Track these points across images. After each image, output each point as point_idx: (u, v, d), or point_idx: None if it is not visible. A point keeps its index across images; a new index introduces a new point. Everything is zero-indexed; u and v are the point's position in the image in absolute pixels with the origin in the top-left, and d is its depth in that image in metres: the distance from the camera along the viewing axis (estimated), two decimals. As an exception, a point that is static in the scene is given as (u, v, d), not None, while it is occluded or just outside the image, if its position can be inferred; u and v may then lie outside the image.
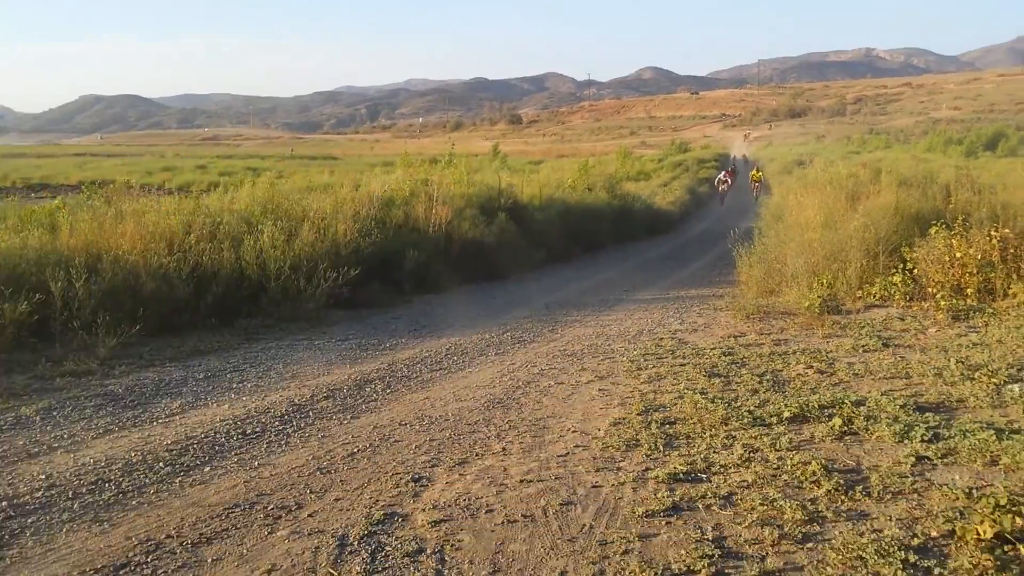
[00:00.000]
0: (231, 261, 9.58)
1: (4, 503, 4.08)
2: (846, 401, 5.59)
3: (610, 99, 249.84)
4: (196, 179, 35.86)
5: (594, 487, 4.35)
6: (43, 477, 4.45)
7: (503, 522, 3.94)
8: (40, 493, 4.23)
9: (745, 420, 5.35)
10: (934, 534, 3.65)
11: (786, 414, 5.44)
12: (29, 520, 3.89)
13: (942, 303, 8.63)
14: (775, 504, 4.00)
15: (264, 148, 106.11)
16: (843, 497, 4.07)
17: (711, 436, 5.08)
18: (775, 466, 4.52)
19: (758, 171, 38.56)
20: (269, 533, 3.85)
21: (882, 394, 5.74)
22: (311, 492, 4.37)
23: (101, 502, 4.18)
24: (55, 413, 5.75)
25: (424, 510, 4.08)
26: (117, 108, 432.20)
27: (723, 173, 38.97)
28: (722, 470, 4.52)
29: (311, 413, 5.92)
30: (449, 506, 4.13)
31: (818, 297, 9.29)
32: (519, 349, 8.32)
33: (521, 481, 4.46)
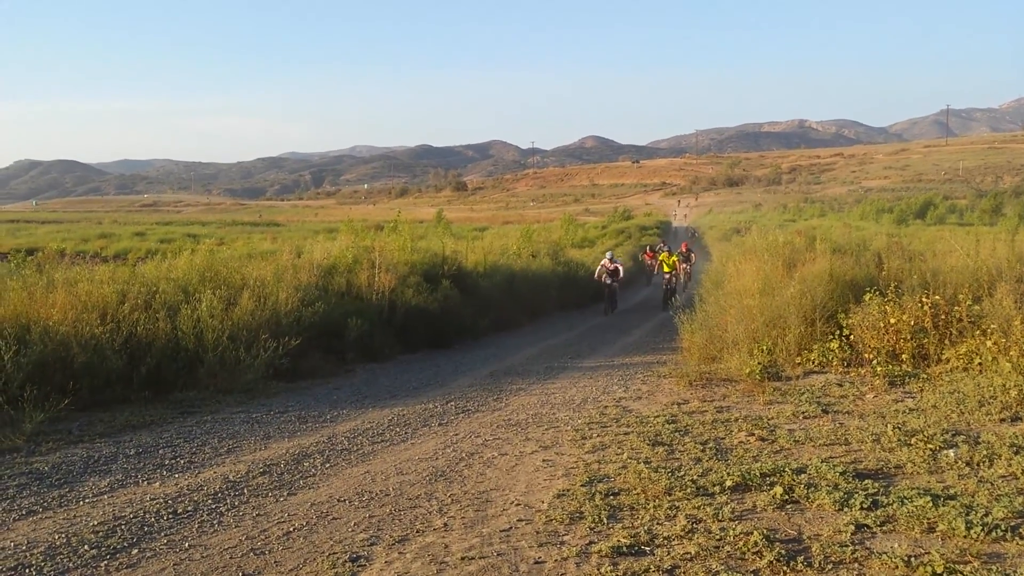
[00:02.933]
0: (167, 331, 9.35)
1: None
2: (787, 469, 5.61)
3: (554, 167, 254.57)
4: (134, 246, 35.23)
5: (537, 563, 4.26)
6: (-32, 564, 4.20)
7: (443, 603, 3.82)
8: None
9: (688, 490, 5.33)
10: (876, 605, 3.65)
11: (728, 483, 5.43)
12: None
13: (879, 369, 8.81)
14: (718, 577, 3.96)
15: (205, 215, 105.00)
16: (785, 568, 4.05)
17: (655, 507, 5.05)
18: (718, 537, 4.50)
19: (672, 254, 24.82)
20: (197, 621, 3.67)
21: (822, 461, 5.78)
22: (243, 574, 4.19)
23: (17, 591, 3.95)
24: (-21, 495, 5.46)
25: (361, 592, 3.94)
26: (53, 174, 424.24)
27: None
28: (665, 542, 4.47)
29: (246, 490, 5.72)
30: (388, 587, 4.00)
31: (758, 364, 9.42)
32: (463, 419, 8.23)
33: (463, 559, 4.35)
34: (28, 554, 4.39)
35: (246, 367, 9.40)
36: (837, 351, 9.55)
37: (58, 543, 4.56)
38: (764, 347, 9.98)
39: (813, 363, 9.73)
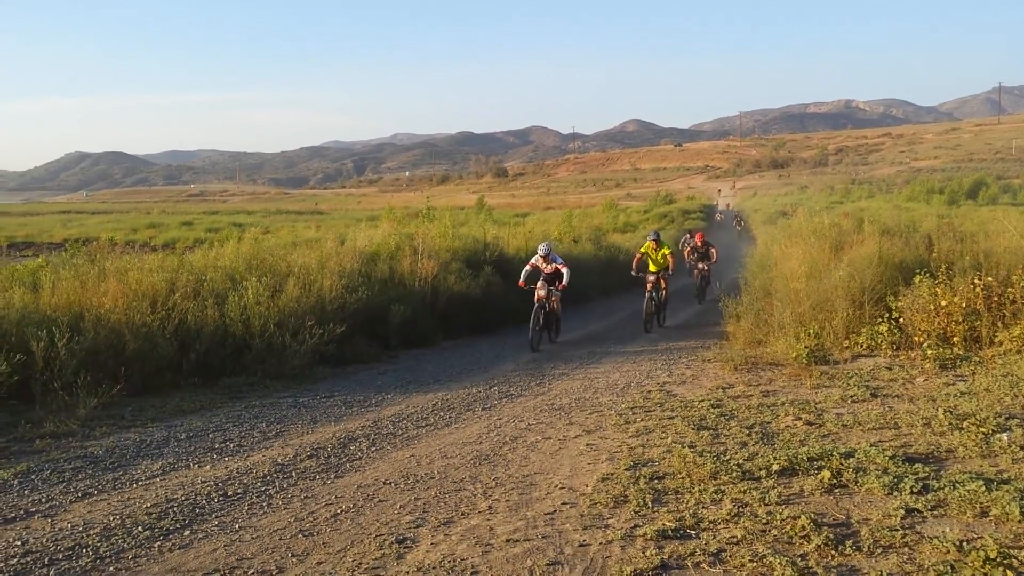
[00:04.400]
0: (215, 318, 9.52)
1: (-25, 573, 3.97)
2: (835, 453, 5.54)
3: (595, 152, 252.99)
4: (182, 236, 35.87)
5: (581, 546, 4.27)
6: (19, 544, 4.33)
7: (489, 584, 3.84)
8: (15, 560, 4.11)
9: (734, 474, 5.29)
10: (927, 590, 3.59)
11: (775, 467, 5.38)
12: (1, 590, 3.78)
13: (929, 352, 8.64)
14: (765, 560, 3.93)
15: (250, 204, 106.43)
16: (833, 552, 4.01)
17: (700, 491, 5.02)
18: (764, 521, 4.46)
19: (662, 245, 15.42)
20: (248, 600, 3.75)
21: (871, 445, 5.70)
22: (293, 556, 4.27)
23: (77, 569, 4.07)
24: (33, 476, 5.63)
25: (408, 573, 3.99)
26: (103, 165, 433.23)
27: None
28: (711, 526, 4.45)
29: (294, 473, 5.82)
30: (433, 568, 4.04)
31: (805, 347, 9.30)
32: (507, 403, 8.26)
33: (507, 541, 4.38)
34: (84, 535, 4.52)
35: (292, 353, 9.53)
36: (886, 334, 9.37)
37: (113, 524, 4.69)
38: (811, 331, 9.84)
39: (861, 347, 9.57)
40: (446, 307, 13.60)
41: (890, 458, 5.35)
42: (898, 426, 6.33)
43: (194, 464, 6.07)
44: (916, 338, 9.16)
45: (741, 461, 5.57)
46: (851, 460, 5.38)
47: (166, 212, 72.97)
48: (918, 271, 9.85)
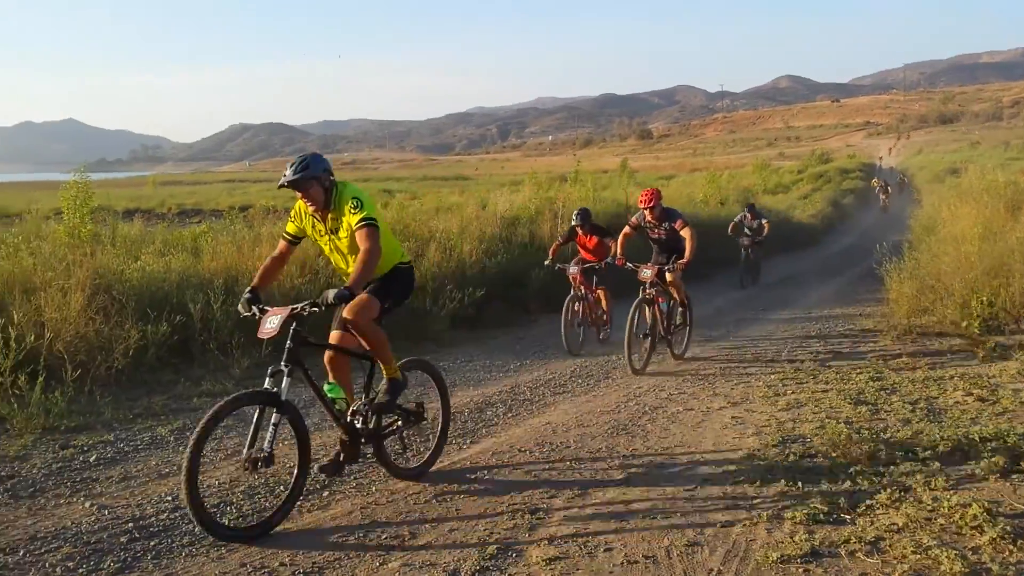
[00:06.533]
0: (360, 282, 9.73)
1: (130, 524, 4.17)
2: (1011, 433, 5.01)
3: (745, 110, 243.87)
4: (335, 202, 37.21)
5: (723, 526, 4.03)
6: (170, 499, 4.53)
7: (623, 563, 3.68)
8: (165, 515, 4.29)
9: (895, 454, 4.88)
10: None
11: (942, 448, 4.93)
12: (151, 543, 3.94)
13: (1125, 323, 7.72)
14: (930, 553, 3.56)
15: (399, 171, 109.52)
16: (1011, 547, 3.58)
17: (856, 472, 4.64)
18: (930, 508, 4.06)
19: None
20: (381, 564, 3.75)
21: (1056, 427, 5.12)
22: (426, 521, 4.25)
23: (222, 525, 4.20)
24: (188, 433, 5.89)
25: (539, 545, 3.88)
26: (263, 136, 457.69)
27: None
28: (868, 511, 4.09)
29: (431, 437, 5.83)
30: (566, 541, 3.91)
31: (977, 316, 8.52)
32: (647, 371, 8.01)
33: (644, 517, 4.19)
34: (230, 493, 4.68)
35: (433, 317, 9.64)
36: (1073, 303, 8.44)
37: (256, 484, 4.80)
38: (984, 298, 8.99)
39: (1043, 316, 8.68)
40: (587, 271, 13.41)
41: (1080, 442, 4.78)
42: (1089, 406, 5.66)
43: (334, 426, 6.18)
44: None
45: (904, 440, 5.15)
46: (1032, 443, 4.85)
47: (321, 180, 75.98)
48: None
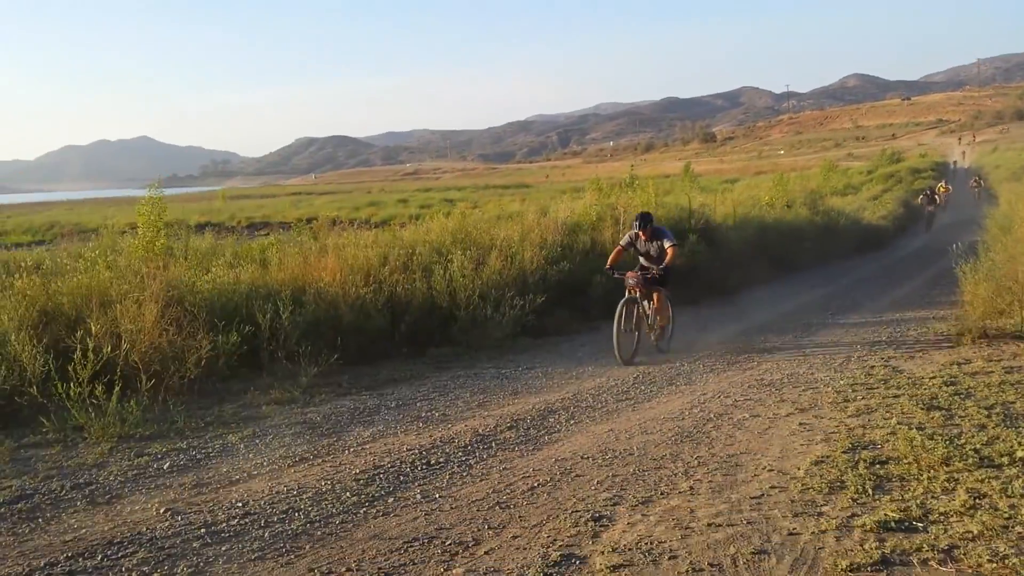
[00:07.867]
0: (423, 291, 9.84)
1: (202, 530, 4.29)
2: (1097, 441, 4.80)
3: (811, 110, 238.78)
4: (398, 213, 37.74)
5: (791, 534, 3.95)
6: (240, 505, 4.65)
7: (688, 570, 3.64)
8: (236, 521, 4.41)
9: (970, 460, 4.72)
10: None
11: (1020, 454, 4.77)
12: (223, 548, 4.05)
13: None
14: (1007, 562, 3.44)
15: (460, 180, 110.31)
16: (1099, 559, 3.43)
17: (929, 479, 4.51)
18: (1006, 516, 3.93)
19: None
20: (445, 570, 3.78)
21: None
22: (489, 528, 4.27)
23: (290, 532, 4.29)
24: (257, 441, 6.05)
25: (603, 553, 3.86)
26: (328, 149, 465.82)
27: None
28: (942, 519, 3.97)
29: (494, 444, 5.87)
30: (630, 549, 3.89)
31: (1059, 318, 8.18)
32: (711, 378, 7.91)
33: (709, 525, 4.14)
34: (298, 499, 4.78)
35: (495, 324, 9.68)
36: None
37: (323, 489, 4.92)
38: (1066, 299, 8.64)
39: None
40: (649, 277, 13.29)
41: None
42: None
43: (401, 432, 6.27)
44: None
45: (979, 446, 4.98)
46: (1121, 450, 4.63)
47: (384, 191, 77.13)
48: None
